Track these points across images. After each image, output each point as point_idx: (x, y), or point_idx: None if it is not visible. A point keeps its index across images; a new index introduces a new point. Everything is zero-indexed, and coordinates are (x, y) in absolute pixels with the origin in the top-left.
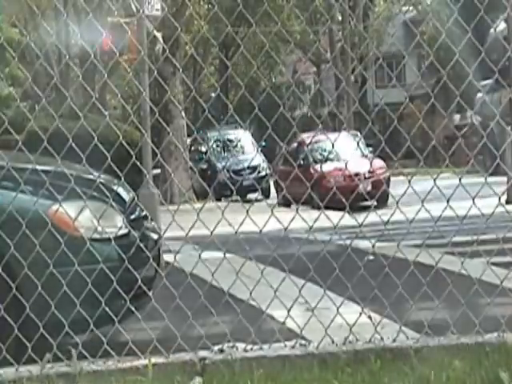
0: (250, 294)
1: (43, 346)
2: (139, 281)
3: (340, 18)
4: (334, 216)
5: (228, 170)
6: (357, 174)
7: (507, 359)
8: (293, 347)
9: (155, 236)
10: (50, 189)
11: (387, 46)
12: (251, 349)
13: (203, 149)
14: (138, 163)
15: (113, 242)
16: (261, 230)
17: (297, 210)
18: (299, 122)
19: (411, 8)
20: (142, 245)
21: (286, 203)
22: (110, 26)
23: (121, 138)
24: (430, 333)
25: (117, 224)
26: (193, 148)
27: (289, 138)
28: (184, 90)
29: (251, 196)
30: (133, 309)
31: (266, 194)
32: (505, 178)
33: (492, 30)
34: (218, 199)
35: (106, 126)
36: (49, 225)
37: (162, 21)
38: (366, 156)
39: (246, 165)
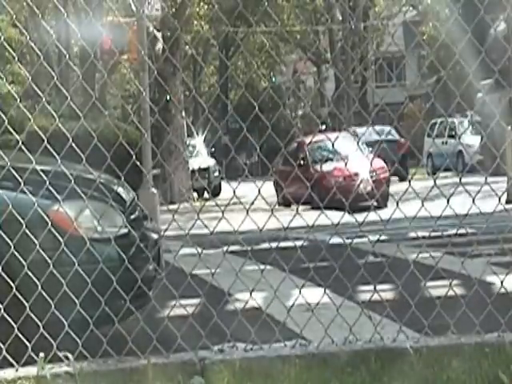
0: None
1: (43, 346)
2: (139, 281)
3: (340, 18)
4: (332, 216)
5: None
6: (357, 174)
7: (507, 359)
8: (293, 347)
9: (155, 236)
10: (50, 189)
11: (387, 46)
12: (251, 349)
13: None
14: (138, 163)
15: (113, 241)
16: (261, 230)
17: (297, 209)
18: (297, 121)
19: (411, 8)
20: (141, 245)
21: (285, 203)
22: (110, 26)
23: (121, 137)
24: (430, 332)
25: (117, 224)
26: None
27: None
28: (184, 90)
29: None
30: (133, 309)
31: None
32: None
33: (492, 30)
34: None
35: (105, 126)
36: (49, 225)
37: (162, 21)
38: (366, 156)
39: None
